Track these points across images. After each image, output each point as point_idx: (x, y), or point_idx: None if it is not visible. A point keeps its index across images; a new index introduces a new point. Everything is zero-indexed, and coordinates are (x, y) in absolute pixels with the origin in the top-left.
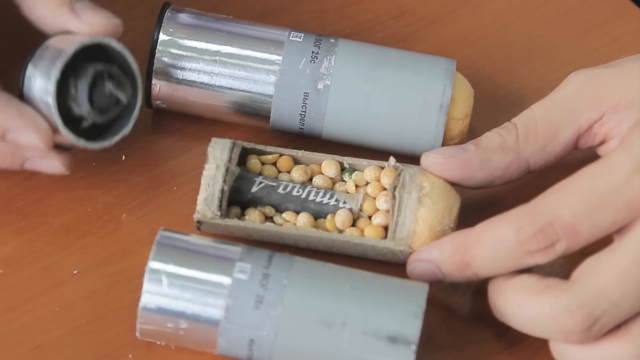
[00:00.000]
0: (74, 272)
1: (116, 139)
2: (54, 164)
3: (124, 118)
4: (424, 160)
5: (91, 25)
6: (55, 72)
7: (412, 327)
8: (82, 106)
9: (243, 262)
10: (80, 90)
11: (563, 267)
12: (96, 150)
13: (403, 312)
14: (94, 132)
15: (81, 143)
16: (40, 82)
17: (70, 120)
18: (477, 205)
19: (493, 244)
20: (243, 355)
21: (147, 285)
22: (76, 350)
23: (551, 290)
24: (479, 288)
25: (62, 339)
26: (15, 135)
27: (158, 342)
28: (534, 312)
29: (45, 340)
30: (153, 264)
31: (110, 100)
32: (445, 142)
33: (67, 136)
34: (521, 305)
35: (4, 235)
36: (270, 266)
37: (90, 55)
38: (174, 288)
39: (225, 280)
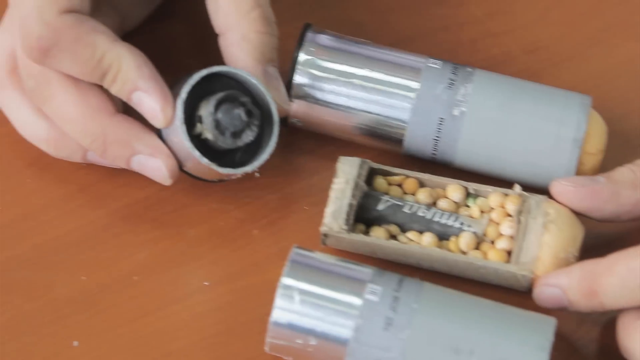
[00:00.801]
0: (205, 283)
1: (241, 170)
2: (159, 167)
3: (246, 154)
4: (554, 186)
5: None
6: (198, 75)
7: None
8: (207, 108)
9: (374, 283)
10: (212, 101)
11: None
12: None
13: (531, 344)
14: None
15: (185, 137)
16: (184, 82)
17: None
18: (600, 239)
19: (624, 273)
20: None
21: (279, 301)
22: None
23: None
24: (606, 323)
25: (191, 347)
26: (141, 97)
27: (285, 358)
28: None
29: (175, 348)
30: (286, 280)
31: (233, 123)
32: None
33: (180, 129)
34: None
35: (139, 243)
36: (401, 289)
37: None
38: (305, 305)
39: (356, 300)
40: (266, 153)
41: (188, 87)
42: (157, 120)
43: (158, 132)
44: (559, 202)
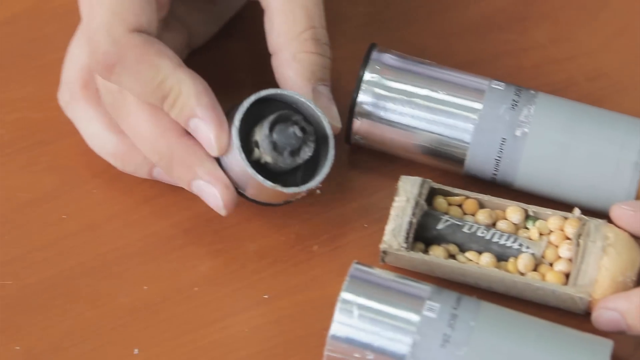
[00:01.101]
0: (265, 296)
1: (297, 189)
2: (216, 196)
3: (306, 173)
4: (614, 210)
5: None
6: (248, 102)
7: None
8: (262, 132)
9: (432, 301)
10: (265, 124)
11: None
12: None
13: None
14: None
15: (245, 163)
16: (237, 109)
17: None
18: None
19: None
20: None
21: (338, 315)
22: None
23: None
24: None
25: (249, 358)
26: (197, 124)
27: None
28: None
29: (234, 359)
30: (345, 295)
31: (289, 142)
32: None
33: (239, 156)
34: None
35: (201, 255)
36: (459, 307)
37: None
38: (363, 320)
39: (414, 317)
40: (327, 166)
41: (240, 115)
42: (212, 149)
43: (219, 160)
44: (619, 226)
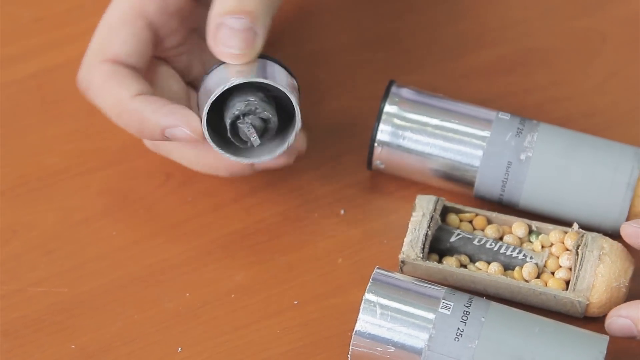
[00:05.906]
0: (294, 302)
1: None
2: (183, 130)
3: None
4: (624, 228)
5: None
6: (211, 98)
7: None
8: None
9: (447, 300)
10: (228, 120)
11: None
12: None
13: (586, 356)
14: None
15: (212, 145)
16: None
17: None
18: None
19: None
20: None
21: (362, 314)
22: None
23: None
24: None
25: (280, 357)
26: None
27: None
28: None
29: (267, 357)
30: (369, 296)
31: (245, 138)
32: (629, 218)
33: (205, 135)
34: None
35: (237, 267)
36: (471, 305)
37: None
38: (385, 318)
39: (430, 315)
40: (296, 125)
41: (206, 112)
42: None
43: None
44: (629, 243)
